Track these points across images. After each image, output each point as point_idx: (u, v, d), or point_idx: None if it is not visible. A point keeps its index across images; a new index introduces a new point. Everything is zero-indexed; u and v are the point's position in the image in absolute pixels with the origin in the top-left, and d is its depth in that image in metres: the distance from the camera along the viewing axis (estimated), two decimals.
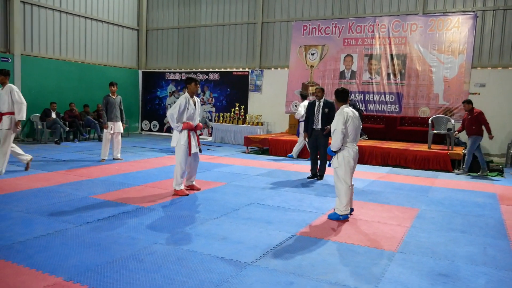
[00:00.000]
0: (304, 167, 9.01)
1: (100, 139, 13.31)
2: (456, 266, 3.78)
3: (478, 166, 9.29)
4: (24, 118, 7.29)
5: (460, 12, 11.64)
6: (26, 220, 4.65)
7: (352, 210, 5.37)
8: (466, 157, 9.11)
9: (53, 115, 12.41)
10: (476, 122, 8.89)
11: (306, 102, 10.33)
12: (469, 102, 9.21)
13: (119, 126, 9.28)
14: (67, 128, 12.65)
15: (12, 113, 7.21)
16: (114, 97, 9.23)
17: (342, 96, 5.30)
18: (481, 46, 11.70)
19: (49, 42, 13.55)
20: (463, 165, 9.30)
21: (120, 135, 9.43)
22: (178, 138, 6.13)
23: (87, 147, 11.56)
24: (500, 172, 9.44)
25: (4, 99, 7.15)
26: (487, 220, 5.39)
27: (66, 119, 12.82)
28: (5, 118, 7.19)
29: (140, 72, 16.99)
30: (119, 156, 9.43)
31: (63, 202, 5.52)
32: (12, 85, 7.29)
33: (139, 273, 3.36)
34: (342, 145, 5.11)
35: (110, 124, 9.12)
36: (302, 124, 10.11)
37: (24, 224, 4.50)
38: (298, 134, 10.83)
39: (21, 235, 4.15)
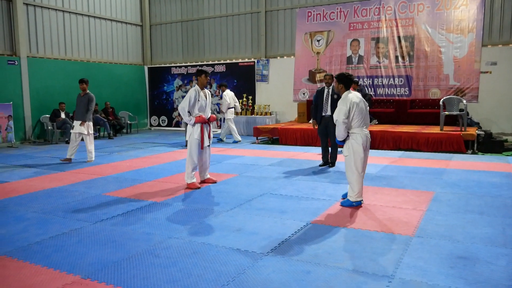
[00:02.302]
0: (315, 155, 8.95)
1: (110, 137, 13.38)
2: (475, 248, 3.71)
3: (492, 145, 9.21)
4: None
5: None
6: (41, 221, 4.68)
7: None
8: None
9: (63, 115, 12.48)
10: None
11: (228, 91, 11.96)
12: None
13: (79, 126, 8.60)
14: None
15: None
16: (81, 96, 8.69)
17: (347, 81, 5.14)
18: (491, 23, 11.42)
19: (54, 43, 13.59)
20: (473, 146, 9.18)
21: (86, 136, 8.66)
22: (191, 132, 6.13)
23: (97, 145, 11.58)
24: None
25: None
26: (505, 201, 5.30)
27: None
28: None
29: (146, 68, 16.99)
30: (72, 156, 8.74)
31: (77, 201, 5.55)
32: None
33: (156, 268, 3.36)
34: (349, 132, 5.03)
35: (76, 123, 8.64)
36: (229, 112, 11.76)
37: (40, 225, 4.54)
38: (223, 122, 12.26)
39: (37, 236, 4.18)
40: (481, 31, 11.08)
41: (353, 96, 5.04)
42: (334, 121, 5.10)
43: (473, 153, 9.17)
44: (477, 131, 9.57)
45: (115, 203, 5.40)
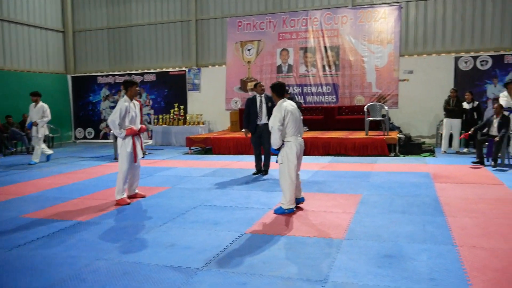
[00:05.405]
0: (248, 164, 8.98)
1: (28, 152, 12.42)
2: (400, 246, 3.93)
3: (411, 147, 9.91)
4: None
5: (386, 4, 12.16)
6: None
7: (303, 200, 5.44)
8: None
9: None
10: None
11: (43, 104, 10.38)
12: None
13: None
14: None
15: None
16: None
17: (280, 90, 5.30)
18: (407, 35, 12.33)
19: None
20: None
21: None
22: (123, 145, 5.87)
23: (14, 161, 10.74)
24: (432, 152, 10.04)
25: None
26: (424, 199, 5.69)
27: None
28: None
29: (69, 77, 16.07)
30: None
31: None
32: None
33: None
34: (284, 140, 5.12)
35: None
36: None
37: None
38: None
39: None
40: (398, 42, 11.88)
41: (287, 104, 5.17)
42: (270, 129, 5.16)
43: (395, 155, 9.77)
44: (398, 135, 10.23)
45: (35, 225, 4.99)
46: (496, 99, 10.01)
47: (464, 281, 3.18)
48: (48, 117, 10.18)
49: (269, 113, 7.56)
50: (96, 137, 15.88)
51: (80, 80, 15.97)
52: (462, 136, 9.10)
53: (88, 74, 15.92)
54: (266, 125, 7.57)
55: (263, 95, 7.74)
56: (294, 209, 5.23)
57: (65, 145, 14.86)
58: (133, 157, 5.93)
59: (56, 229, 4.79)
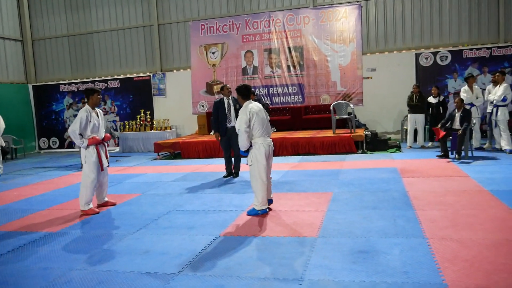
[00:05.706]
0: (219, 167, 8.98)
1: None
2: (372, 241, 4.03)
3: (378, 144, 10.16)
4: None
5: (346, 3, 12.45)
6: None
7: (271, 201, 5.46)
8: None
9: None
10: None
11: None
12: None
13: None
14: None
15: None
16: None
17: (246, 92, 5.32)
18: (368, 33, 12.65)
19: None
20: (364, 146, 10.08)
21: None
22: (87, 155, 5.74)
23: None
24: (398, 148, 10.35)
25: None
26: (393, 194, 5.85)
27: None
28: None
29: (30, 86, 15.52)
30: None
31: None
32: None
33: None
34: (251, 141, 5.16)
35: None
36: None
37: None
38: None
39: None
40: (360, 41, 12.20)
41: (253, 105, 5.20)
42: (237, 131, 5.20)
43: (363, 152, 10.01)
44: (364, 132, 10.47)
45: (3, 238, 4.81)
46: (457, 94, 10.42)
47: (436, 272, 3.28)
48: (3, 126, 9.79)
49: (238, 115, 7.61)
50: (61, 146, 15.42)
51: (42, 89, 15.46)
52: (441, 136, 8.62)
53: (50, 83, 15.44)
54: (234, 127, 7.62)
55: (230, 98, 7.76)
56: (267, 209, 5.28)
57: (29, 155, 14.35)
58: (99, 165, 5.81)
59: (26, 241, 4.65)
